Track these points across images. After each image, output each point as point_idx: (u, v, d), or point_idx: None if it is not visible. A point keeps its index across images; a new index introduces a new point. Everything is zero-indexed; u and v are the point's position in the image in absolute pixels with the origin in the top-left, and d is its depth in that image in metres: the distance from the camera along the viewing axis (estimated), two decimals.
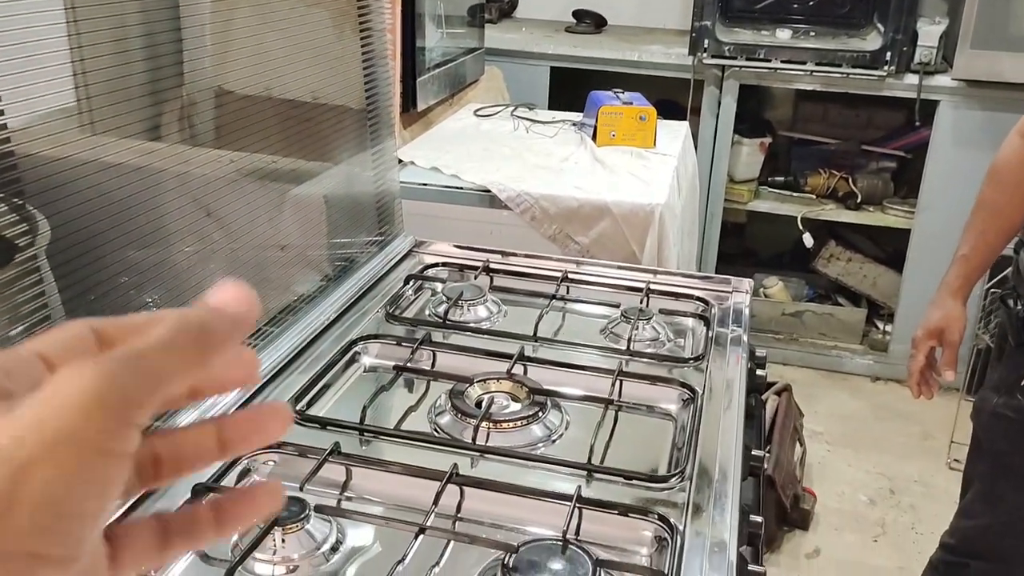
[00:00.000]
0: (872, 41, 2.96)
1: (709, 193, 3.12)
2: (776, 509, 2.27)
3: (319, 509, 0.91)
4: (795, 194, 3.37)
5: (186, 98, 1.31)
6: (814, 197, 3.36)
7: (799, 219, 3.26)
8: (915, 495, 2.60)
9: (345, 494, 1.00)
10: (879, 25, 2.93)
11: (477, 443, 1.06)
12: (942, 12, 3.02)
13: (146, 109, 1.17)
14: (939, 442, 2.81)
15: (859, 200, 3.27)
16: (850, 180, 3.30)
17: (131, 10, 1.13)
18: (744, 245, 3.70)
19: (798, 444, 2.58)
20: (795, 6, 3.08)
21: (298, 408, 1.11)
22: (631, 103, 2.36)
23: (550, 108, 3.05)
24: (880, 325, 3.39)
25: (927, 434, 2.91)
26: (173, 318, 0.34)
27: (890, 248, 3.39)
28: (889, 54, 2.88)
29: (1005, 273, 2.67)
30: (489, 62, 3.05)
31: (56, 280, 1.02)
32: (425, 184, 2.02)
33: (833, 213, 3.29)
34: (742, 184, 3.30)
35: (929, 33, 2.88)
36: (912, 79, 2.91)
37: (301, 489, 0.95)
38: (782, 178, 3.40)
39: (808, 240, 3.28)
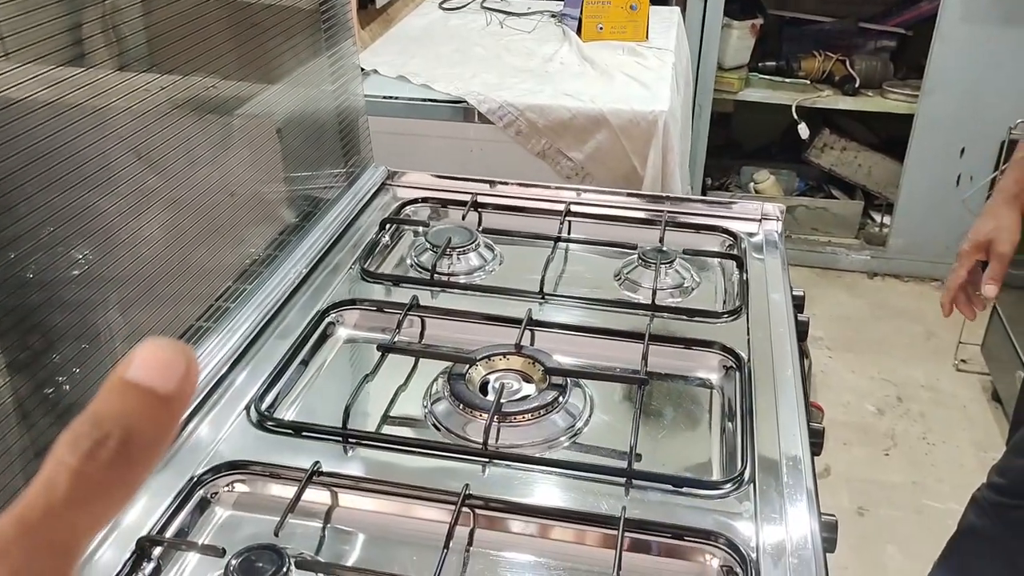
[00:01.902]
0: None
1: (698, 84, 2.87)
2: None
3: (300, 565, 0.72)
4: (787, 80, 3.13)
5: (108, 4, 1.05)
6: (808, 82, 3.12)
7: (794, 108, 3.03)
8: (923, 402, 2.48)
9: (330, 525, 0.81)
10: None
11: (488, 446, 0.86)
12: None
13: (61, 20, 0.93)
14: (945, 341, 2.68)
15: (857, 84, 3.04)
16: (847, 62, 3.06)
17: None
18: (730, 134, 3.46)
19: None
20: None
21: (264, 409, 0.91)
22: None
23: None
24: (877, 218, 3.22)
25: (931, 333, 2.78)
26: (71, 436, 0.24)
27: (886, 134, 3.19)
28: None
29: None
30: None
31: None
32: (391, 97, 1.76)
33: (829, 100, 3.06)
34: (731, 72, 3.05)
35: None
36: None
37: (276, 534, 0.75)
38: (774, 63, 3.14)
39: (804, 131, 3.06)
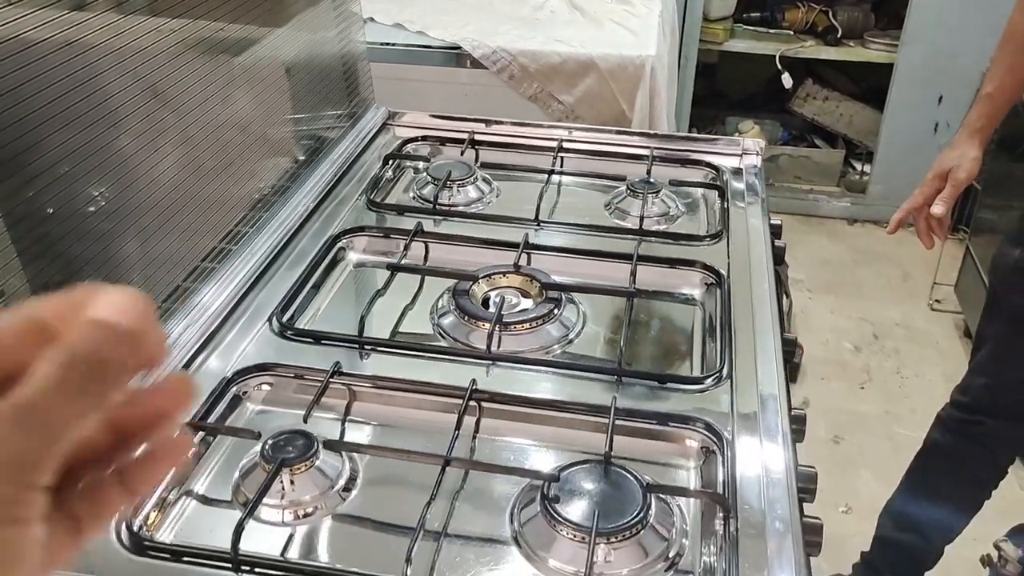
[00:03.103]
0: None
1: (683, 34, 2.93)
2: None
3: (328, 445, 0.81)
4: (771, 31, 3.19)
5: None
6: (791, 33, 3.18)
7: (777, 58, 3.10)
8: (898, 339, 2.60)
9: (349, 417, 0.90)
10: None
11: (491, 350, 0.95)
12: None
13: None
14: (920, 283, 2.79)
15: (839, 35, 3.11)
16: (830, 13, 3.13)
17: None
18: (715, 84, 3.53)
19: (784, 296, 2.53)
20: None
21: (286, 320, 0.99)
22: None
23: None
24: (857, 166, 3.31)
25: (907, 275, 2.89)
26: (58, 353, 0.30)
27: (867, 84, 3.26)
28: None
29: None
30: None
31: None
32: (389, 44, 1.82)
33: (812, 50, 3.13)
34: (717, 23, 3.11)
35: None
36: None
37: (306, 419, 0.84)
38: (758, 14, 3.20)
39: (787, 80, 3.13)
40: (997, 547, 1.76)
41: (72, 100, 0.95)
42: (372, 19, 1.92)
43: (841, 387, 2.41)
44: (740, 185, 1.33)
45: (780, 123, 3.42)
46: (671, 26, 2.35)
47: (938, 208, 1.40)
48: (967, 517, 1.58)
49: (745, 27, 3.21)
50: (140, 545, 0.72)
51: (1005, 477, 1.57)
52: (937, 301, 2.71)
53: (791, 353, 1.05)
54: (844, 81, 3.32)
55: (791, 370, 2.38)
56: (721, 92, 3.56)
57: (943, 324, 2.61)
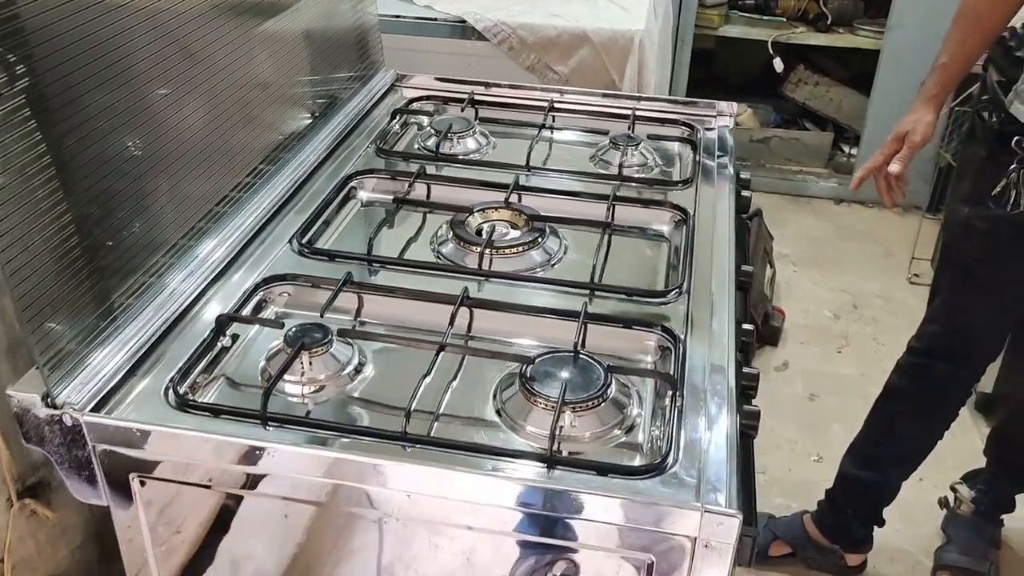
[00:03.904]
0: None
1: (679, 19, 3.07)
2: (748, 306, 2.37)
3: (341, 333, 0.96)
4: (765, 17, 3.33)
5: None
6: (784, 20, 3.32)
7: (769, 43, 3.23)
8: (877, 309, 2.74)
9: (359, 319, 1.05)
10: None
11: (482, 268, 1.10)
12: None
13: None
14: (900, 259, 2.93)
15: (829, 21, 3.24)
16: (820, 1, 3.26)
17: None
18: (712, 72, 3.67)
19: (768, 266, 2.68)
20: None
21: (304, 241, 1.14)
22: None
23: None
24: (845, 148, 3.44)
25: (888, 252, 3.02)
26: None
27: (856, 70, 3.39)
28: None
29: (971, 91, 2.72)
30: None
31: (38, 126, 1.00)
32: (398, 16, 1.97)
33: (803, 36, 3.26)
34: (712, 9, 3.24)
35: None
36: None
37: (321, 316, 0.99)
38: (752, 0, 3.34)
39: (779, 65, 3.27)
40: (953, 489, 1.91)
41: (111, 59, 1.06)
42: None
43: (819, 351, 2.55)
44: (712, 143, 1.47)
45: (773, 107, 3.56)
46: (664, 8, 2.48)
47: (895, 167, 1.54)
48: (921, 455, 1.72)
49: (740, 13, 3.34)
50: (184, 404, 0.87)
51: (956, 418, 1.70)
52: (915, 275, 2.85)
53: (746, 282, 1.19)
54: (834, 67, 3.45)
55: (772, 334, 2.52)
56: (718, 77, 3.70)
57: (920, 296, 2.74)
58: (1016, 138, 1.43)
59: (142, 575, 0.93)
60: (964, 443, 2.08)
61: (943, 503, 1.92)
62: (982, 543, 1.83)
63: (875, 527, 1.81)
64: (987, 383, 2.20)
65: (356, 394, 0.94)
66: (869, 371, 2.45)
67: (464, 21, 1.94)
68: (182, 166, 1.19)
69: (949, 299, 1.62)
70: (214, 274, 1.07)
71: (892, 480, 1.74)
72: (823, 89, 3.44)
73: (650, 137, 1.44)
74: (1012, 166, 1.44)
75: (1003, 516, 1.88)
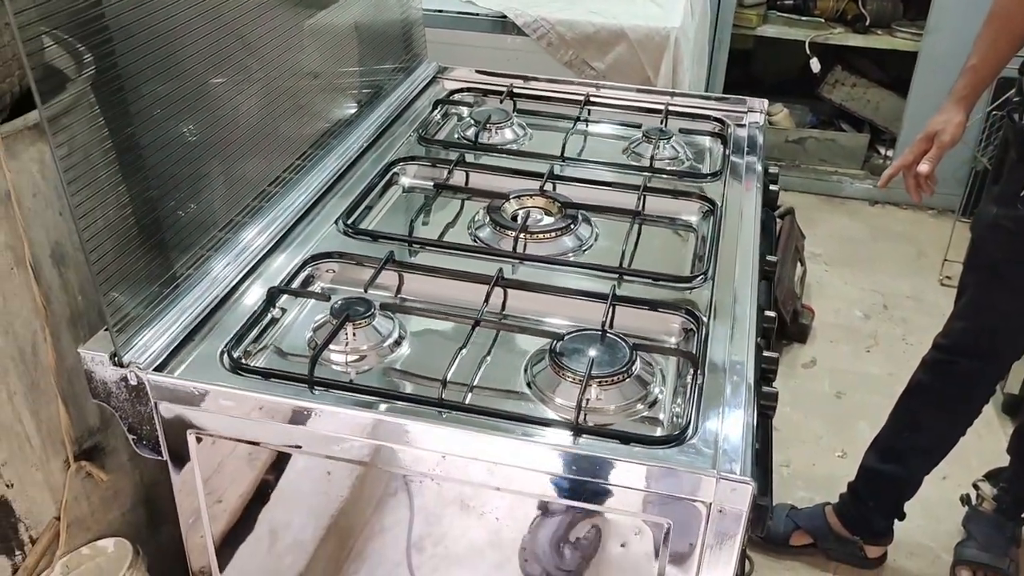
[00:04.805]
0: None
1: (718, 19, 3.10)
2: (776, 323, 2.41)
3: (383, 307, 1.02)
4: (803, 18, 3.35)
5: None
6: (822, 21, 3.33)
7: (807, 44, 3.25)
8: (907, 309, 2.75)
9: (400, 296, 1.11)
10: None
11: (516, 252, 1.16)
12: None
13: None
14: (932, 260, 2.94)
15: (867, 23, 3.25)
16: (859, 2, 3.27)
17: None
18: (749, 72, 3.69)
19: (799, 264, 2.71)
20: None
21: (349, 222, 1.20)
22: None
23: None
24: (882, 150, 3.45)
25: (921, 253, 3.03)
26: None
27: (895, 72, 3.40)
28: None
29: (1008, 95, 2.72)
30: None
31: (101, 112, 1.07)
32: (440, 11, 2.03)
33: (841, 37, 3.28)
34: (751, 8, 3.27)
35: None
36: None
37: (365, 291, 1.06)
38: (791, 1, 3.36)
39: (815, 65, 3.28)
40: (975, 486, 1.93)
41: (171, 49, 1.13)
42: None
43: (848, 349, 2.58)
44: (743, 138, 1.51)
45: (809, 108, 3.57)
46: (702, 6, 2.52)
47: (924, 167, 1.57)
48: (943, 450, 1.74)
49: (778, 13, 3.36)
50: (237, 367, 0.94)
51: (980, 415, 1.73)
52: (947, 277, 2.86)
53: (771, 272, 1.23)
54: (872, 68, 3.46)
55: (801, 331, 2.56)
56: (755, 77, 3.72)
57: (951, 297, 2.74)
58: None
59: (195, 527, 1.00)
60: (989, 443, 2.10)
61: (965, 500, 1.94)
62: (1002, 540, 1.85)
63: (896, 520, 1.84)
64: (1014, 384, 2.22)
65: (396, 365, 1.00)
66: (897, 371, 2.47)
67: (505, 16, 2.00)
68: (236, 150, 1.26)
69: (976, 297, 1.65)
70: (265, 250, 1.14)
71: (914, 474, 1.77)
72: (860, 90, 3.45)
73: (681, 131, 1.49)
74: None
75: None
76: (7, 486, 1.19)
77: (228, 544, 1.01)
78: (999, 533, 1.86)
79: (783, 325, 2.48)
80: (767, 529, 0.88)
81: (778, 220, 2.61)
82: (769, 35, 3.32)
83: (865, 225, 3.23)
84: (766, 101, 1.60)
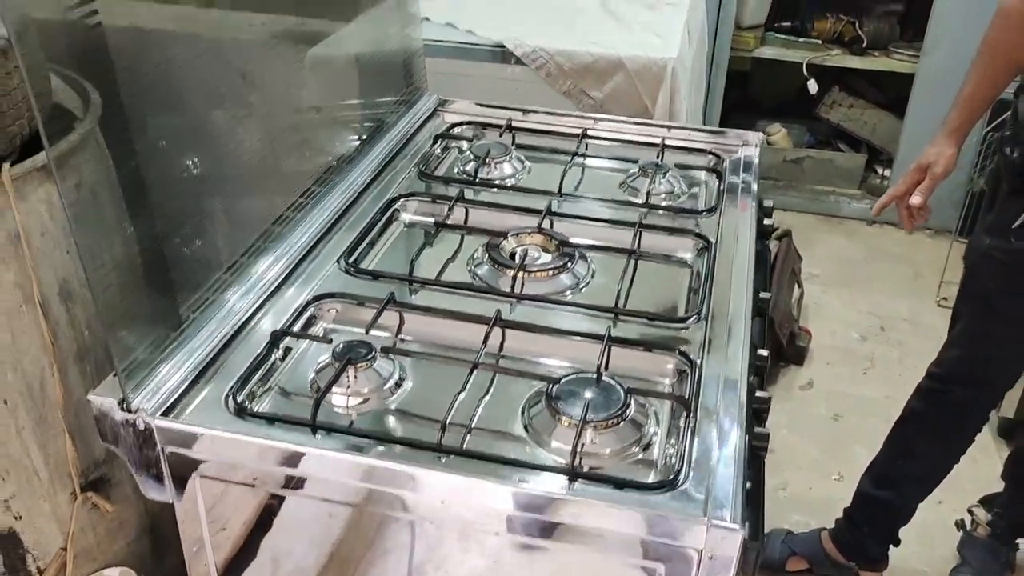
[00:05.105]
0: None
1: (716, 41, 3.13)
2: (772, 346, 2.43)
3: (384, 350, 1.04)
4: (801, 39, 3.38)
5: None
6: (820, 42, 3.36)
7: (804, 65, 3.28)
8: (904, 331, 2.77)
9: (400, 337, 1.13)
10: None
11: (514, 291, 1.18)
12: None
13: None
14: (929, 281, 2.96)
15: (864, 44, 3.28)
16: (856, 24, 3.30)
17: None
18: (748, 92, 3.72)
19: (796, 286, 2.73)
20: None
21: (351, 261, 1.23)
22: None
23: None
24: (879, 170, 3.48)
25: (918, 274, 3.06)
26: None
27: (893, 93, 3.43)
28: None
29: (1004, 117, 2.75)
30: None
31: (108, 149, 1.09)
32: (441, 41, 2.06)
33: (838, 59, 3.31)
34: (748, 31, 3.30)
35: None
36: None
37: (367, 332, 1.08)
38: (789, 23, 3.39)
39: (813, 87, 3.31)
40: (970, 511, 1.95)
41: (176, 87, 1.16)
42: (427, 18, 2.16)
43: (845, 371, 2.60)
44: (738, 172, 1.53)
45: (807, 128, 3.61)
46: (700, 32, 2.55)
47: (916, 198, 1.60)
48: (938, 477, 1.77)
49: (776, 35, 3.39)
50: (242, 411, 0.96)
51: (973, 443, 1.75)
52: (944, 299, 2.88)
53: (764, 308, 1.26)
54: (869, 89, 3.49)
55: (798, 353, 2.58)
56: (755, 99, 3.75)
57: (948, 319, 2.77)
58: None
59: (199, 557, 1.02)
60: (984, 468, 2.12)
61: (959, 525, 1.96)
62: (997, 565, 1.87)
63: (891, 546, 1.86)
64: (1008, 408, 2.24)
65: (396, 406, 1.03)
66: (894, 394, 2.49)
67: (504, 46, 2.02)
68: (240, 186, 1.29)
69: (970, 326, 1.67)
70: (270, 291, 1.16)
71: (908, 501, 1.79)
72: (857, 111, 3.48)
73: (678, 166, 1.51)
74: None
75: (1019, 540, 1.92)
76: (15, 518, 1.22)
77: (231, 572, 1.03)
78: (993, 559, 1.88)
79: (780, 348, 2.51)
80: (763, 556, 0.91)
81: (775, 242, 2.63)
82: (767, 57, 3.35)
83: (862, 245, 3.25)
84: (761, 135, 1.63)
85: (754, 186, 1.48)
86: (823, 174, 3.49)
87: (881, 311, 2.87)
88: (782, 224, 2.81)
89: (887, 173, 3.41)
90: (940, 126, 1.64)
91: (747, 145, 1.61)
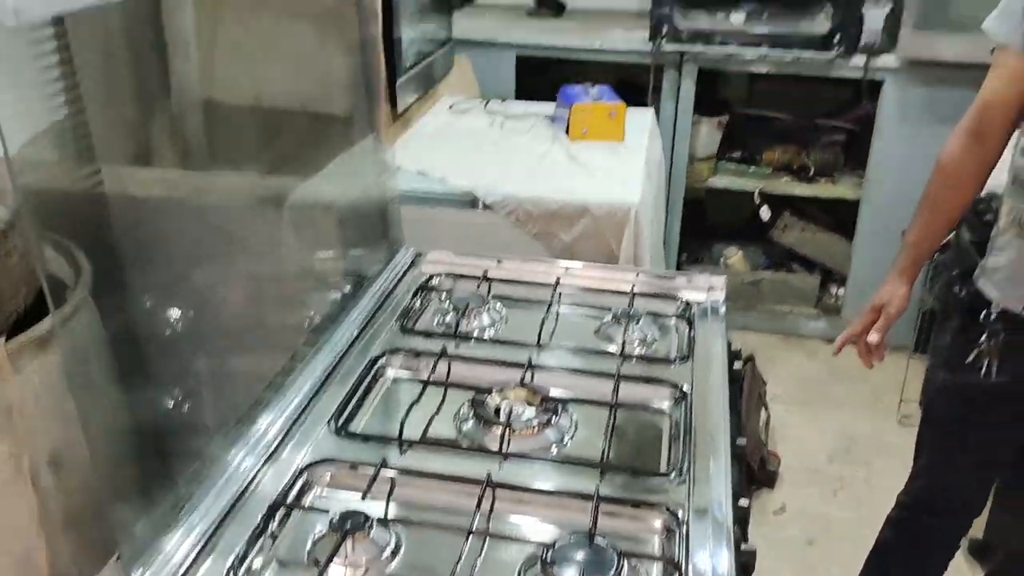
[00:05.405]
0: (821, 24, 3.12)
1: (672, 173, 3.28)
2: (745, 472, 2.47)
3: (380, 521, 1.07)
4: (752, 168, 3.55)
5: (176, 111, 1.37)
6: (770, 171, 3.54)
7: (756, 192, 3.44)
8: (869, 451, 2.84)
9: (393, 499, 1.16)
10: (828, 8, 3.10)
11: (502, 449, 1.22)
12: None
13: (139, 129, 1.23)
14: (890, 399, 3.05)
15: (812, 173, 3.46)
16: (803, 154, 3.49)
17: (118, 30, 1.14)
18: (704, 219, 3.87)
19: (763, 409, 2.79)
20: None
21: (341, 424, 1.26)
22: (601, 99, 2.51)
23: (517, 96, 3.18)
24: (833, 290, 3.61)
25: (878, 393, 3.14)
26: None
27: (841, 217, 3.59)
28: (837, 36, 3.05)
29: (948, 239, 2.90)
30: (455, 51, 3.15)
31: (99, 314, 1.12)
32: (414, 190, 2.15)
33: (788, 186, 3.48)
34: (702, 162, 3.47)
35: (874, 16, 3.05)
36: (859, 59, 3.08)
37: (363, 498, 1.11)
38: (739, 153, 3.57)
39: (765, 213, 3.47)
40: None
41: (163, 251, 1.21)
42: (399, 168, 2.25)
43: (816, 492, 2.64)
44: (706, 316, 1.61)
45: (763, 250, 3.75)
46: (658, 168, 2.69)
47: (874, 336, 1.68)
48: None
49: (728, 165, 3.56)
50: None
51: (947, 569, 1.79)
52: (905, 416, 2.96)
53: (741, 456, 1.31)
54: (819, 213, 3.66)
55: (769, 477, 2.62)
56: (711, 223, 3.90)
57: (910, 438, 2.85)
58: (984, 312, 1.58)
59: None
60: None
61: None
62: None
63: None
64: (977, 530, 2.29)
65: (394, 574, 1.04)
66: (864, 514, 2.53)
67: (474, 194, 2.12)
68: (233, 349, 1.32)
69: (932, 457, 1.74)
70: (266, 455, 1.19)
71: None
72: (809, 234, 3.64)
73: (649, 313, 1.58)
74: (983, 337, 1.58)
75: None
76: None
77: None
78: None
79: (752, 473, 2.55)
80: None
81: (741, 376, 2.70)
82: (720, 186, 3.51)
83: (823, 365, 3.35)
84: (724, 278, 1.71)
85: (723, 331, 1.55)
86: (780, 295, 3.61)
87: (846, 431, 2.94)
88: (745, 347, 2.89)
89: (841, 292, 3.55)
90: (892, 266, 1.74)
91: (713, 290, 1.69)
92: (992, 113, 1.56)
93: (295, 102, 1.61)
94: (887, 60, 3.08)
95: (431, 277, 1.73)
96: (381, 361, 1.44)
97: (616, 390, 1.34)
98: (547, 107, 2.74)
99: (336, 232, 1.71)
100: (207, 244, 1.31)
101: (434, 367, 1.40)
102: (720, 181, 3.52)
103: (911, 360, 3.00)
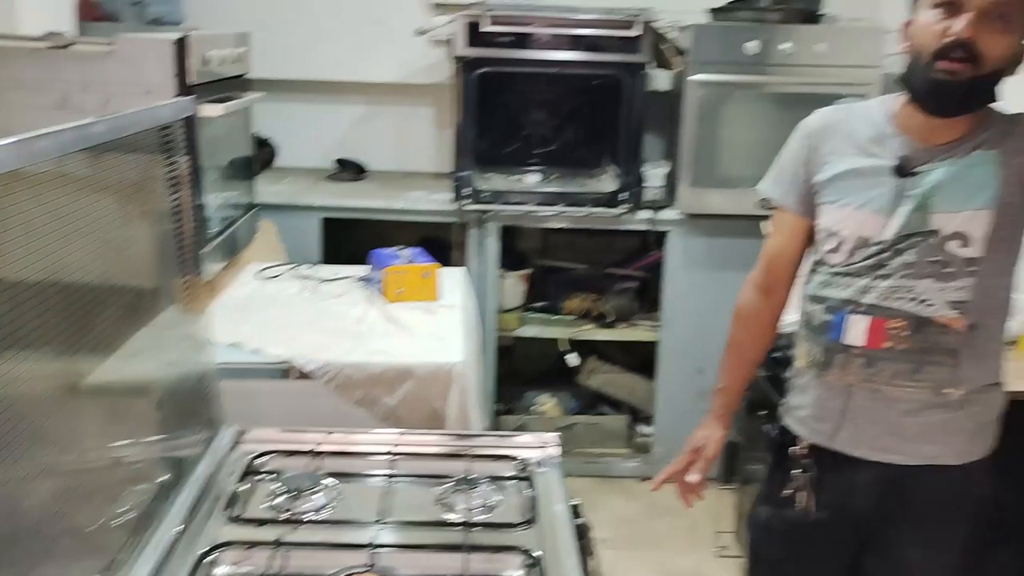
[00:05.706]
0: (608, 183, 3.38)
1: (484, 325, 3.35)
2: None
3: None
4: (555, 317, 3.70)
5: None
6: (572, 318, 3.69)
7: (566, 340, 3.57)
8: None
9: None
10: (613, 168, 3.36)
11: None
12: (664, 156, 3.50)
13: None
14: (706, 531, 3.16)
15: (610, 319, 3.65)
16: (600, 301, 3.68)
17: None
18: (515, 366, 3.96)
19: (590, 556, 2.80)
20: (537, 151, 3.50)
21: None
22: (413, 260, 2.55)
23: (324, 258, 3.17)
24: (642, 429, 3.75)
25: (694, 525, 3.25)
26: None
27: (642, 359, 3.79)
28: (624, 194, 3.30)
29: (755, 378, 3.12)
30: (259, 216, 3.11)
31: None
32: (227, 362, 2.05)
33: (591, 332, 3.64)
34: (510, 313, 3.57)
35: (655, 175, 3.34)
36: (645, 213, 3.34)
37: None
38: (542, 303, 3.71)
39: (573, 359, 3.60)
40: None
41: None
42: (209, 340, 2.15)
43: None
44: (543, 473, 1.62)
45: (572, 394, 3.86)
46: (476, 321, 2.74)
47: (694, 477, 1.76)
48: None
49: (534, 314, 3.69)
50: None
51: None
52: (722, 547, 3.07)
53: None
54: (624, 356, 3.84)
55: None
56: (520, 370, 3.99)
57: (729, 569, 2.96)
58: (791, 448, 1.69)
59: None
60: None
61: None
62: None
63: None
64: None
65: None
66: None
67: (291, 363, 2.05)
68: (33, 559, 1.17)
69: None
70: None
71: None
72: (614, 376, 3.79)
73: (486, 477, 1.57)
74: (795, 471, 1.68)
75: None
76: None
77: None
78: None
79: None
80: None
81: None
82: (528, 335, 3.62)
83: (640, 503, 3.43)
84: (559, 434, 1.74)
85: (562, 488, 1.57)
86: (593, 438, 3.71)
87: (670, 567, 3.00)
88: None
89: (650, 430, 3.69)
90: (708, 412, 1.84)
91: (546, 445, 1.71)
92: (776, 266, 1.72)
93: (96, 277, 1.52)
94: (669, 214, 3.35)
95: (257, 456, 1.64)
96: (210, 558, 1.33)
97: (466, 563, 1.31)
98: (357, 269, 2.74)
99: (149, 414, 1.59)
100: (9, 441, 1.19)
101: (270, 560, 1.31)
102: (528, 330, 3.63)
103: (721, 491, 3.14)
